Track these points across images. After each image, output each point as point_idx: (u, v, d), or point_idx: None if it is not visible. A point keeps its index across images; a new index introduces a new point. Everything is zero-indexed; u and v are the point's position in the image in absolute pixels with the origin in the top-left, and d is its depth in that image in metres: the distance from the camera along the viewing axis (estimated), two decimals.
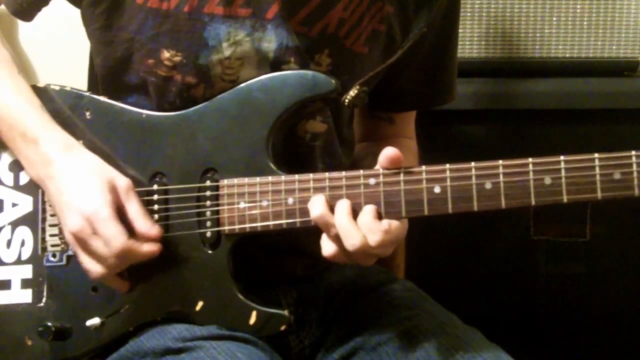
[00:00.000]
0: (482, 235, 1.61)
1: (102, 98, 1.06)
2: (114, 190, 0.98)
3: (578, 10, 1.53)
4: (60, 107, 1.06)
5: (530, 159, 0.87)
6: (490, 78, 1.55)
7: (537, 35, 1.54)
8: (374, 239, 0.89)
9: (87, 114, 1.05)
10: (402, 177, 0.91)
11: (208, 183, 1.00)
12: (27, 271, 1.07)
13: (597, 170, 0.85)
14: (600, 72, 1.56)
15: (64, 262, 1.05)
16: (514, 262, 1.65)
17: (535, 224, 1.62)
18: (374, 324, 1.06)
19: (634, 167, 0.84)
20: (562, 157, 0.86)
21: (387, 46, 1.11)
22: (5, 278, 1.07)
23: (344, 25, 1.05)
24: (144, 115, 1.03)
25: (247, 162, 0.99)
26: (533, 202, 0.87)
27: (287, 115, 0.99)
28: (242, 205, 0.98)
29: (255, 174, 0.98)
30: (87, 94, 1.07)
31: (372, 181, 0.92)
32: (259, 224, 0.97)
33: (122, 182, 0.99)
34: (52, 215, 1.06)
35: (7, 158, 1.08)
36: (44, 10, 1.13)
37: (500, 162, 0.88)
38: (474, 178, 0.89)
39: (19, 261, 1.07)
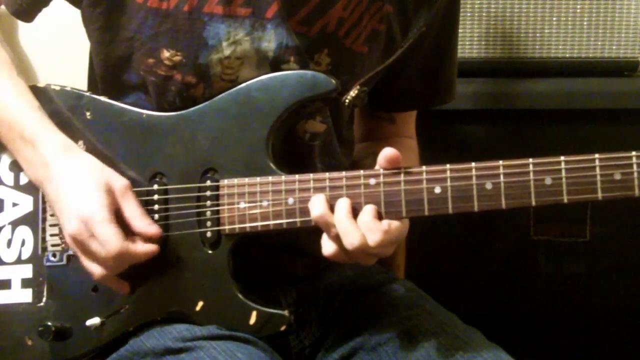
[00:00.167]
0: (482, 235, 1.61)
1: (102, 98, 1.06)
2: (110, 192, 0.98)
3: (578, 10, 1.53)
4: (60, 107, 1.06)
5: (530, 159, 0.87)
6: (490, 78, 1.55)
7: (537, 35, 1.54)
8: (373, 238, 0.89)
9: (87, 114, 1.05)
10: (402, 177, 0.91)
11: (208, 183, 1.00)
12: (27, 271, 1.07)
13: (598, 170, 0.85)
14: (600, 72, 1.56)
15: (64, 261, 1.05)
16: (514, 262, 1.65)
17: (535, 224, 1.62)
18: (374, 324, 1.06)
19: (635, 167, 0.84)
20: (562, 158, 0.86)
21: (387, 46, 1.10)
22: (5, 278, 1.07)
23: (344, 24, 1.05)
24: (144, 115, 1.03)
25: (247, 162, 0.99)
26: (533, 203, 0.87)
27: (287, 115, 0.99)
28: (242, 205, 0.98)
29: (255, 174, 0.98)
30: (87, 94, 1.07)
31: (372, 181, 0.92)
32: (259, 224, 0.97)
33: (119, 183, 0.99)
34: (52, 215, 1.06)
35: (7, 158, 1.09)
36: (44, 10, 1.13)
37: (501, 162, 0.88)
38: (474, 178, 0.89)
39: (19, 261, 1.07)
